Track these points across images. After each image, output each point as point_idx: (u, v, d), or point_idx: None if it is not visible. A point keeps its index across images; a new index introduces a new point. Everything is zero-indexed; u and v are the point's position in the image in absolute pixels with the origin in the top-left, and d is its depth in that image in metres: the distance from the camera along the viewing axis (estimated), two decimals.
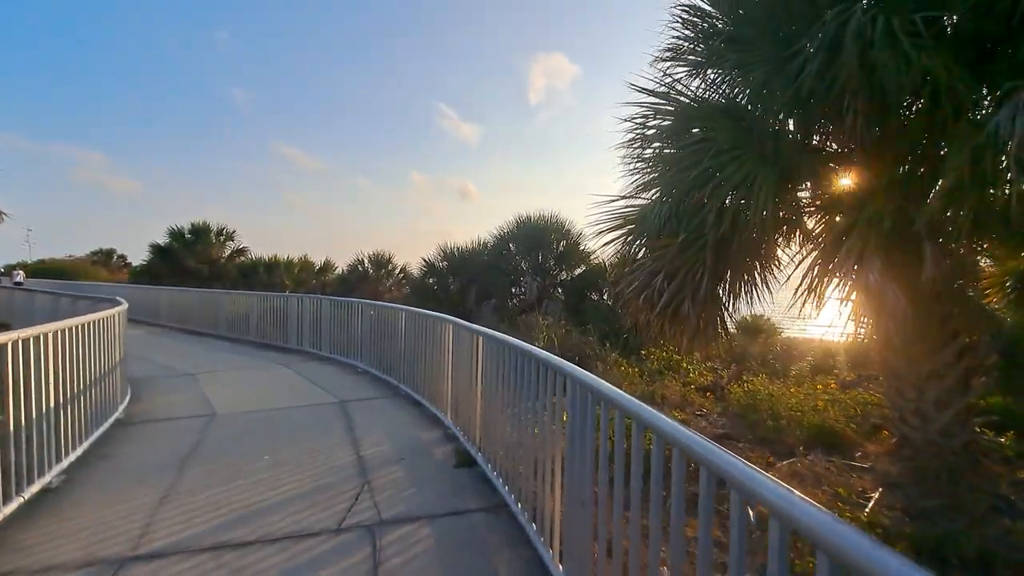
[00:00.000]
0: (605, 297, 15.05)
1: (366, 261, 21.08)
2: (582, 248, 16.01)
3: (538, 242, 15.84)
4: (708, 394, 6.81)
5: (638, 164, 5.05)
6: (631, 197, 5.11)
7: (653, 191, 4.67)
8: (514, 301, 15.31)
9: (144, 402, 5.80)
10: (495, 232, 16.28)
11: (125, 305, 6.01)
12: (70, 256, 43.49)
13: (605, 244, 5.12)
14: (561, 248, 16.02)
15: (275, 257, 21.21)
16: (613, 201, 5.18)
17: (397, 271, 21.49)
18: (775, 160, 3.38)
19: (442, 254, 16.40)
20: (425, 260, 16.59)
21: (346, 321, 8.09)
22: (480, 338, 4.02)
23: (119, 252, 45.90)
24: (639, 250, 4.75)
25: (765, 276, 4.03)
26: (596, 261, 15.56)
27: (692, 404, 6.17)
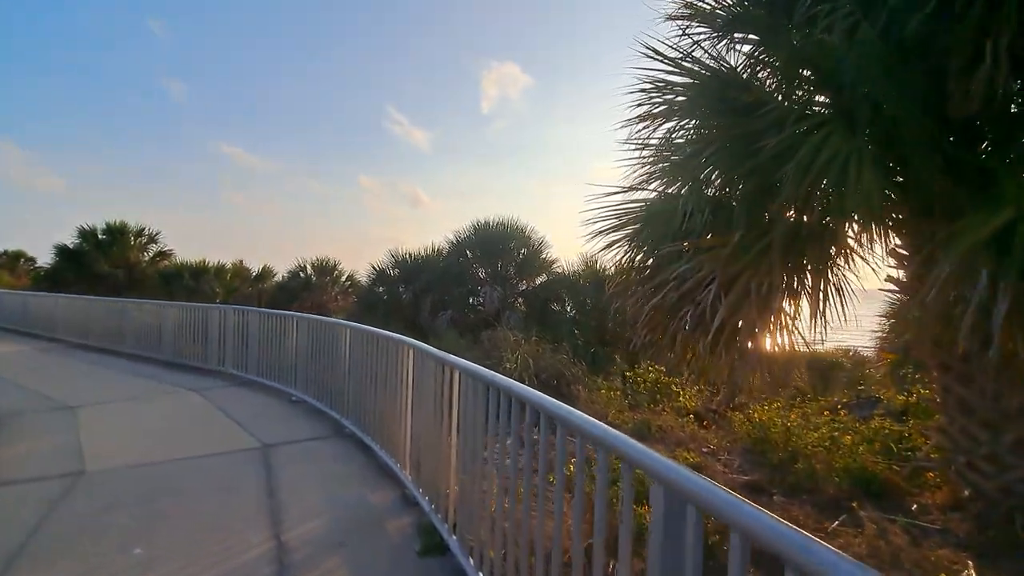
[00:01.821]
0: (568, 308, 14.22)
1: (309, 268, 19.36)
2: (544, 256, 15.10)
3: (498, 249, 14.79)
4: (706, 423, 5.92)
5: (645, 152, 4.10)
6: (636, 189, 4.14)
7: (674, 180, 3.70)
8: (472, 312, 14.16)
9: None
10: (451, 238, 15.09)
11: None
12: None
13: (607, 247, 4.10)
14: (522, 256, 15.03)
15: (203, 262, 19.03)
16: (612, 194, 4.19)
17: (343, 279, 19.88)
18: (871, 135, 2.49)
19: (393, 261, 15.07)
20: (375, 267, 15.20)
21: (278, 338, 6.71)
22: (457, 373, 2.89)
23: (28, 255, 41.26)
24: (652, 255, 3.76)
25: (842, 285, 3.11)
26: (559, 269, 14.71)
27: (695, 438, 5.24)
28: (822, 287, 2.85)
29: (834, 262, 2.85)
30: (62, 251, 19.62)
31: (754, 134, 2.81)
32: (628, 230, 4.08)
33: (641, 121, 3.98)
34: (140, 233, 20.47)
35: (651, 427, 5.29)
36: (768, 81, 3.71)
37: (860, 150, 2.40)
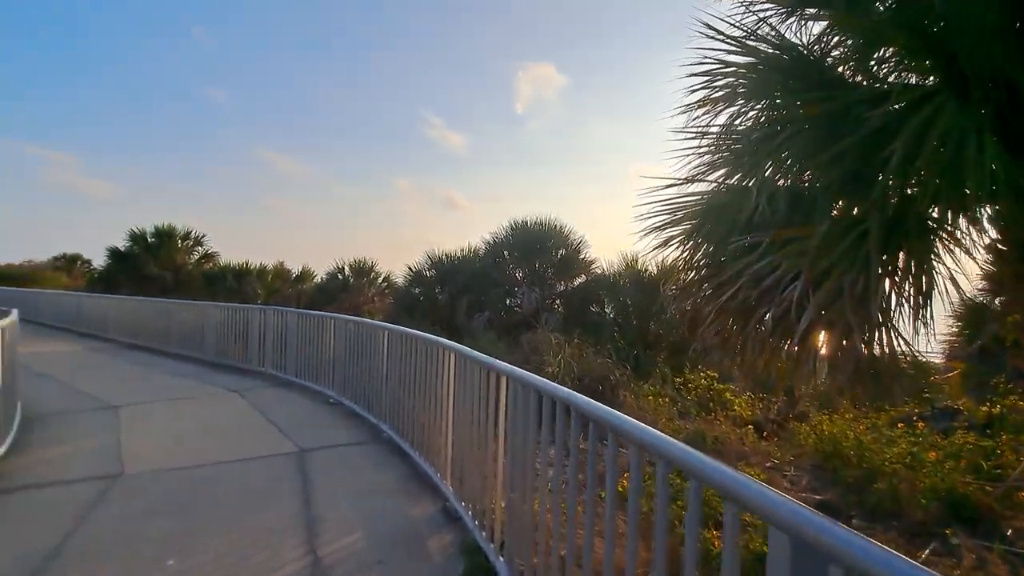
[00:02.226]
0: (608, 309, 13.86)
1: (347, 269, 19.56)
2: (582, 256, 14.76)
3: (535, 249, 14.52)
4: (766, 434, 5.50)
5: (703, 140, 3.78)
6: (695, 180, 3.82)
7: (736, 170, 3.37)
8: (509, 314, 13.93)
9: (30, 452, 4.27)
10: (488, 238, 14.92)
11: (11, 318, 4.51)
12: (29, 261, 40.83)
13: (661, 245, 3.80)
14: (560, 256, 14.73)
15: (246, 264, 19.48)
16: (667, 187, 3.89)
17: (380, 280, 20.02)
18: (987, 111, 2.12)
19: (429, 262, 15.00)
20: (411, 268, 15.18)
21: (316, 339, 6.63)
22: (504, 380, 2.65)
23: (84, 257, 43.34)
24: (715, 252, 3.44)
25: (943, 284, 2.70)
26: (598, 270, 14.35)
27: (756, 451, 4.84)
28: (924, 284, 2.48)
29: (939, 257, 2.48)
30: (114, 253, 20.42)
31: (838, 115, 2.47)
32: (685, 226, 3.76)
33: (700, 106, 3.68)
34: (187, 236, 21.13)
35: (707, 438, 4.93)
36: (847, 60, 3.34)
37: (980, 125, 2.03)
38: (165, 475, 3.85)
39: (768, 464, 4.51)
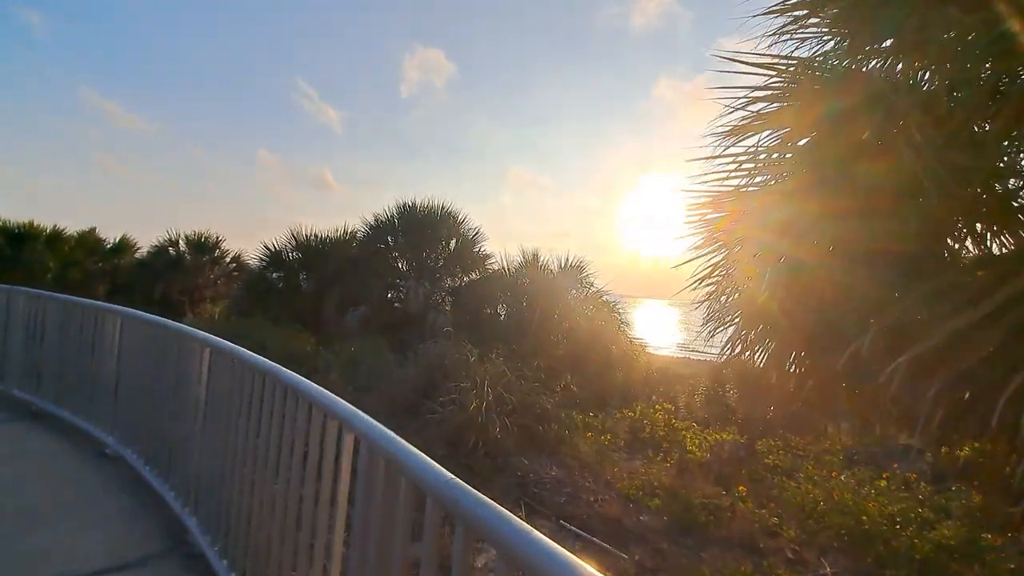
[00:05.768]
0: (501, 311, 12.46)
1: (182, 243, 15.78)
2: (478, 249, 13.09)
3: (425, 237, 12.56)
4: (740, 486, 4.29)
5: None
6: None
7: None
8: (387, 310, 11.79)
9: None
10: (370, 220, 12.61)
11: None
12: None
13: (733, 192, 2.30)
14: (452, 247, 12.91)
15: (30, 224, 14.53)
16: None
17: (227, 260, 16.51)
18: None
19: (294, 241, 12.28)
20: (269, 247, 12.30)
21: (92, 345, 4.13)
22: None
23: None
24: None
25: None
26: (494, 266, 12.81)
27: (754, 521, 3.55)
28: None
29: None
30: None
31: None
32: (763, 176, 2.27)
33: None
34: None
35: (694, 508, 3.53)
36: None
37: None
38: None
39: (789, 553, 3.22)
